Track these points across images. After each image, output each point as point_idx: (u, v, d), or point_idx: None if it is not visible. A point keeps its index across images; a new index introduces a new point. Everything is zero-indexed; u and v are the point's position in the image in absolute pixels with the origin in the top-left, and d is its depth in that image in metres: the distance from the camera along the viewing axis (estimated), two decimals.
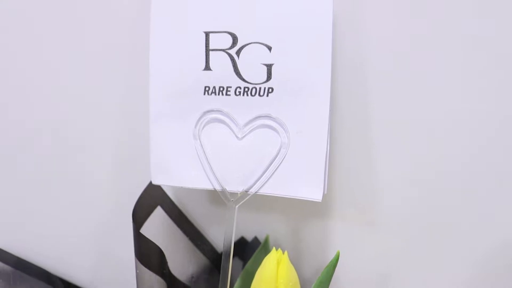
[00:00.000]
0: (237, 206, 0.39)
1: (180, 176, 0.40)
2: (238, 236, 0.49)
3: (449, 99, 0.41)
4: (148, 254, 0.41)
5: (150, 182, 0.44)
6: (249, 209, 0.48)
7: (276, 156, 0.38)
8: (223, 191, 0.39)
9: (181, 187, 0.40)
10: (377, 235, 0.46)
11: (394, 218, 0.45)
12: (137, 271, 0.42)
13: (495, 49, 0.39)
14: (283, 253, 0.40)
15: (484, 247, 0.43)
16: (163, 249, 0.42)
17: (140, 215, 0.43)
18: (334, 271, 0.38)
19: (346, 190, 0.45)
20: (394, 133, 0.42)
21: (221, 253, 0.41)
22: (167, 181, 0.41)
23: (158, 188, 0.45)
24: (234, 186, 0.39)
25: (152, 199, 0.44)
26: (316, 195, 0.37)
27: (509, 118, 0.40)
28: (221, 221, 0.49)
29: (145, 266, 0.41)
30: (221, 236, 0.50)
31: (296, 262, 0.48)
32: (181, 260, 0.47)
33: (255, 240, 0.49)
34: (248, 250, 0.49)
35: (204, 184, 0.40)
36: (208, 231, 0.50)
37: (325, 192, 0.37)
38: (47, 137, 0.52)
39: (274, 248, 0.40)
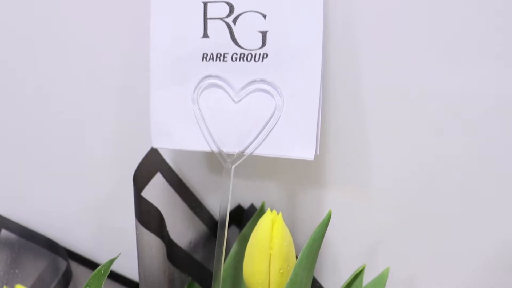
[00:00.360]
0: (233, 167, 0.41)
1: (179, 139, 0.42)
2: (235, 204, 0.51)
3: (445, 64, 0.42)
4: (147, 216, 0.43)
5: (150, 149, 0.46)
6: (246, 177, 0.50)
7: (271, 118, 0.40)
8: (220, 153, 0.41)
9: (180, 149, 0.42)
10: (369, 203, 0.47)
11: (387, 185, 0.46)
12: (137, 232, 0.44)
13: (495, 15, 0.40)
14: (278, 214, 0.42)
15: (475, 220, 0.45)
16: (162, 214, 0.44)
17: (140, 180, 0.44)
18: (326, 230, 0.40)
19: (339, 158, 0.47)
20: (387, 98, 0.44)
21: None
22: (167, 144, 0.43)
23: (158, 155, 0.47)
24: (230, 147, 0.41)
25: (152, 165, 0.46)
26: (308, 154, 0.39)
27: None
28: (218, 189, 0.51)
29: (145, 227, 0.43)
30: (218, 204, 0.52)
31: (290, 228, 0.49)
32: (180, 226, 0.49)
33: (252, 207, 0.50)
34: (245, 218, 0.50)
35: (202, 146, 0.41)
36: (206, 199, 0.52)
37: (318, 153, 0.39)
38: (47, 106, 0.53)
39: (269, 209, 0.42)
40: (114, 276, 0.56)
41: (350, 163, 0.47)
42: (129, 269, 0.56)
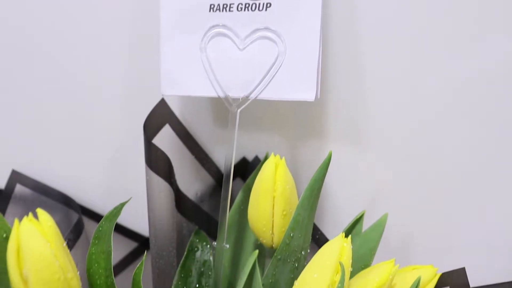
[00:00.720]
0: (239, 111, 0.43)
1: (187, 86, 0.44)
2: (240, 157, 0.53)
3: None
4: (157, 162, 0.45)
5: (159, 101, 0.48)
6: (250, 130, 0.52)
7: (274, 64, 0.42)
8: (226, 97, 0.43)
9: (188, 96, 0.44)
10: (368, 153, 0.49)
11: (386, 134, 0.48)
12: (147, 178, 0.46)
13: None
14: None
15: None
16: (171, 161, 0.46)
17: (150, 129, 0.47)
18: (326, 171, 0.42)
19: (339, 111, 0.49)
20: (387, 48, 0.46)
21: None
22: (176, 91, 0.45)
23: (166, 107, 0.49)
24: (236, 92, 0.43)
25: (161, 117, 0.48)
26: (309, 96, 0.41)
27: None
28: (224, 142, 0.53)
29: (155, 172, 0.45)
30: (224, 157, 0.54)
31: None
32: (187, 177, 0.51)
33: (256, 159, 0.53)
34: (250, 170, 0.52)
35: (209, 92, 0.44)
36: (212, 152, 0.54)
37: (318, 97, 0.41)
38: (57, 60, 0.54)
39: (272, 153, 0.44)
40: (124, 231, 0.58)
41: (350, 114, 0.49)
42: (138, 224, 0.58)
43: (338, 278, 0.38)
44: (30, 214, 0.34)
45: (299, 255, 0.44)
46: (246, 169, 0.53)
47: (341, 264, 0.37)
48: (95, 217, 0.58)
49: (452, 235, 0.49)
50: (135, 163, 0.55)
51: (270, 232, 0.44)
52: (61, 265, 0.33)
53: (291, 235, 0.43)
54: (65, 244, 0.35)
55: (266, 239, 0.45)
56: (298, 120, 0.50)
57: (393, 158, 0.49)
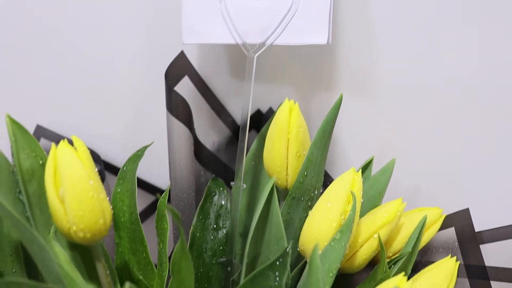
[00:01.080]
0: (256, 56, 0.45)
1: (207, 34, 0.47)
2: (255, 109, 0.56)
3: None
4: (177, 107, 0.48)
5: (179, 54, 0.51)
6: (265, 83, 0.55)
7: (288, 11, 0.44)
8: (244, 44, 0.46)
9: (208, 43, 0.47)
10: (377, 103, 0.52)
11: (395, 82, 0.51)
12: (168, 123, 0.49)
13: None
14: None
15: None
16: (190, 107, 0.49)
17: (171, 78, 0.49)
18: (338, 111, 0.45)
19: (350, 62, 0.52)
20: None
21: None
22: (197, 40, 0.48)
23: (185, 59, 0.52)
24: (253, 38, 0.46)
25: (180, 68, 0.51)
26: (322, 39, 0.44)
27: None
28: (240, 95, 0.56)
29: (175, 117, 0.48)
30: (240, 111, 0.56)
31: None
32: (205, 127, 0.54)
33: (270, 110, 0.55)
34: (264, 123, 0.55)
35: (228, 39, 0.46)
36: (228, 104, 0.56)
37: (330, 42, 0.44)
38: (82, 17, 0.56)
39: (286, 98, 0.46)
40: (143, 184, 0.61)
41: (359, 65, 0.51)
42: (157, 178, 0.61)
43: (349, 207, 0.40)
44: (65, 139, 0.36)
45: (312, 194, 0.46)
46: (261, 121, 0.56)
47: (352, 193, 0.40)
48: (116, 171, 0.61)
49: (457, 180, 0.51)
50: (155, 121, 0.57)
51: (285, 173, 0.47)
52: (94, 186, 0.36)
53: (305, 173, 0.45)
54: (96, 170, 0.38)
55: (280, 180, 0.47)
56: (309, 73, 0.53)
57: (401, 108, 0.51)
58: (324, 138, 0.45)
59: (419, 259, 0.50)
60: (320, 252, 0.38)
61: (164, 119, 0.50)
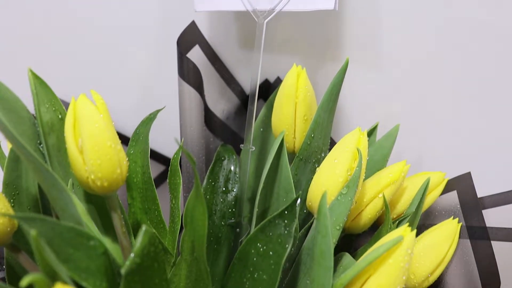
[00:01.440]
0: (265, 22, 0.47)
1: (218, 1, 0.49)
2: (263, 79, 0.57)
3: None
4: (188, 73, 0.50)
5: (190, 23, 0.52)
6: (273, 53, 0.56)
7: None
8: (254, 10, 0.47)
9: (219, 10, 0.49)
10: (381, 71, 0.53)
11: (399, 50, 0.52)
12: (180, 88, 0.50)
13: None
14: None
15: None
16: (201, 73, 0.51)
17: (182, 46, 0.51)
18: (344, 75, 0.46)
19: (354, 34, 0.53)
20: None
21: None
22: (208, 7, 0.49)
23: (196, 29, 0.53)
24: (262, 5, 0.47)
25: (191, 37, 0.53)
26: (329, 5, 0.45)
27: None
28: (249, 66, 0.57)
29: (186, 82, 0.50)
30: (249, 82, 0.58)
31: None
32: (214, 95, 0.55)
33: (278, 79, 0.57)
34: (272, 91, 0.57)
35: (238, 6, 0.48)
36: (237, 74, 0.58)
37: (337, 8, 0.46)
38: None
39: (294, 64, 0.48)
40: (153, 154, 0.62)
41: (364, 35, 0.53)
42: (167, 148, 0.62)
43: (356, 164, 0.42)
44: (84, 93, 0.38)
45: (319, 156, 0.48)
46: (269, 90, 0.57)
47: (358, 150, 0.42)
48: (127, 141, 0.62)
49: (460, 146, 0.53)
50: (166, 92, 0.59)
51: (292, 136, 0.49)
52: (112, 136, 0.37)
53: (312, 135, 0.47)
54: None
55: (288, 143, 0.49)
56: (315, 44, 0.55)
57: (405, 76, 0.53)
58: (331, 101, 0.46)
59: (421, 223, 0.51)
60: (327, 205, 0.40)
61: (176, 93, 0.51)
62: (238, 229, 0.50)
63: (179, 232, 0.44)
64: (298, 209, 0.38)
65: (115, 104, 0.61)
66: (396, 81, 0.53)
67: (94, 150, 0.36)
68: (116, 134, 0.39)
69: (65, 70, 0.61)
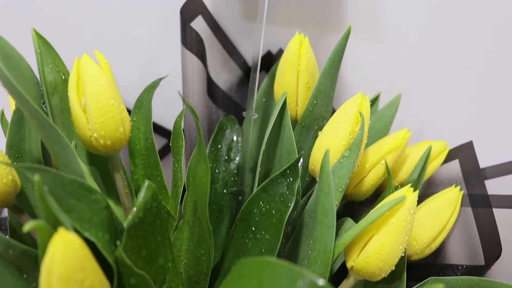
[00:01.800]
0: None
1: None
2: (265, 51, 0.57)
3: None
4: (191, 41, 0.50)
5: None
6: (275, 24, 0.56)
7: None
8: None
9: None
10: (382, 43, 0.53)
11: (399, 23, 0.52)
12: (182, 57, 0.50)
13: None
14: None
15: None
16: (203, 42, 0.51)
17: (186, 15, 0.51)
18: (346, 42, 0.46)
19: (358, 4, 0.53)
20: None
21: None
22: None
23: (199, 0, 0.53)
24: None
25: (194, 8, 0.52)
26: None
27: None
28: (251, 37, 0.57)
29: (189, 50, 0.50)
30: (251, 53, 0.58)
31: None
32: (217, 66, 0.55)
33: (280, 51, 0.57)
34: (274, 63, 0.57)
35: None
36: (240, 45, 0.58)
37: None
38: None
39: (297, 32, 0.48)
40: (155, 127, 0.62)
41: (367, 8, 0.53)
42: (169, 121, 0.62)
43: (358, 127, 0.42)
44: (87, 53, 0.38)
45: (321, 123, 0.48)
46: (271, 62, 0.57)
47: (361, 113, 0.42)
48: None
49: (462, 116, 0.53)
50: (169, 67, 0.59)
51: (295, 104, 0.49)
52: (115, 95, 0.37)
53: (314, 102, 0.47)
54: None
55: (291, 111, 0.49)
56: (318, 16, 0.55)
57: (406, 46, 0.53)
58: (333, 68, 0.46)
59: (423, 192, 0.52)
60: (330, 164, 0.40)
61: (178, 68, 0.51)
62: (240, 197, 0.50)
63: (181, 198, 0.44)
64: (300, 169, 0.38)
65: (117, 78, 0.62)
66: (398, 51, 0.53)
67: (97, 108, 0.37)
68: (119, 94, 0.39)
69: (66, 40, 0.61)
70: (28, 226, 0.27)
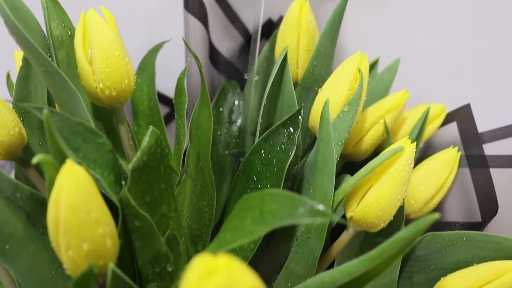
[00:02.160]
0: None
1: None
2: (266, 18, 0.58)
3: None
4: (194, 5, 0.51)
5: None
6: None
7: None
8: None
9: None
10: (380, 9, 0.54)
11: None
12: (185, 22, 0.51)
13: None
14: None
15: None
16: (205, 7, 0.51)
17: None
18: (346, 4, 0.47)
19: None
20: None
21: None
22: None
23: None
24: None
25: None
26: None
27: None
28: (252, 4, 0.58)
29: (191, 14, 0.50)
30: (252, 21, 0.58)
31: None
32: (219, 33, 0.56)
33: (281, 18, 0.58)
34: (275, 29, 0.57)
35: None
36: (241, 12, 0.59)
37: None
38: None
39: None
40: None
41: None
42: (171, 90, 0.63)
43: (357, 84, 0.43)
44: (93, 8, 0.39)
45: (321, 84, 0.49)
46: (271, 30, 0.58)
47: (359, 70, 0.42)
48: None
49: (460, 80, 0.54)
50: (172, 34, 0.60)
51: (295, 66, 0.50)
52: (120, 47, 0.38)
53: (314, 64, 0.48)
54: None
55: (291, 73, 0.49)
56: None
57: (405, 11, 0.53)
58: (333, 29, 0.47)
59: (421, 155, 0.52)
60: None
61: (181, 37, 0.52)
62: (241, 159, 0.51)
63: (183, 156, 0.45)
64: (301, 120, 0.39)
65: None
66: (396, 16, 0.54)
67: (103, 59, 0.37)
68: (124, 48, 0.39)
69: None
70: (37, 158, 0.28)
